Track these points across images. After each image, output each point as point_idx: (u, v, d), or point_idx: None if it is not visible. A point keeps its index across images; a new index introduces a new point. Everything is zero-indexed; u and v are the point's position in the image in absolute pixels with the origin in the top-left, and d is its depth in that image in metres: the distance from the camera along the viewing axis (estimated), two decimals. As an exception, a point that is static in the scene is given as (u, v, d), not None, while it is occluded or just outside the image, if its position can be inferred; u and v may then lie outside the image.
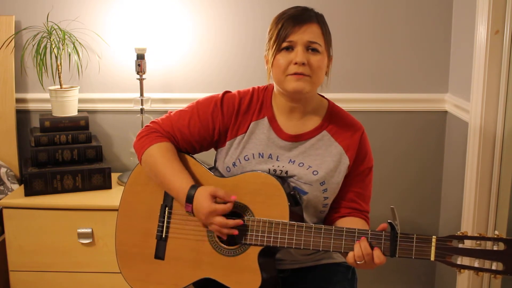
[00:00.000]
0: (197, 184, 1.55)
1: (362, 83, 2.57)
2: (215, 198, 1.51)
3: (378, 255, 1.41)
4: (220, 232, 1.51)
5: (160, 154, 1.60)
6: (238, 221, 1.51)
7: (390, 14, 2.51)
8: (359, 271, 1.72)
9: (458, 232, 1.36)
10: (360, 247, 1.41)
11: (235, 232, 1.51)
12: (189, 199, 1.52)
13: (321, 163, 1.59)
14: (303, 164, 1.59)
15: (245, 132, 1.62)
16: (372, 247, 1.41)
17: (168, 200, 1.63)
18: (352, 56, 2.54)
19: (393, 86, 2.57)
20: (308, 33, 1.51)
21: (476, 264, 1.34)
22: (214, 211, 1.49)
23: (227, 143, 1.63)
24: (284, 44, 1.52)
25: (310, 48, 1.52)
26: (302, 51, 1.50)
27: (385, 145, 2.61)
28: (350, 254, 1.43)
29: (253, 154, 1.60)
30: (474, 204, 2.20)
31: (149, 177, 1.65)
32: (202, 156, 1.73)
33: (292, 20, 1.52)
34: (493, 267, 1.33)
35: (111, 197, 2.32)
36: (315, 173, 1.58)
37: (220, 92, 1.67)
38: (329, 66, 1.60)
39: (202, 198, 1.50)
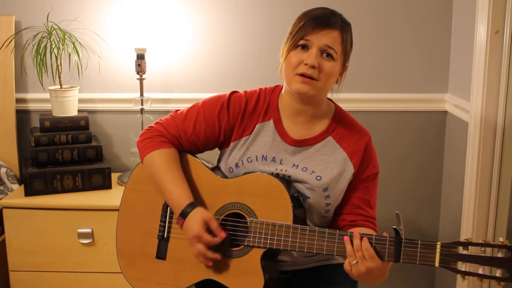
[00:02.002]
0: (195, 202, 1.55)
1: (362, 83, 2.57)
2: (206, 226, 1.50)
3: (365, 246, 1.38)
4: (198, 258, 1.52)
5: (162, 162, 1.59)
6: (217, 256, 1.51)
7: (390, 14, 2.51)
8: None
9: (463, 239, 1.35)
10: (352, 246, 1.40)
11: (210, 263, 1.52)
12: (183, 215, 1.52)
13: (325, 169, 1.57)
14: (307, 169, 1.58)
15: (250, 133, 1.61)
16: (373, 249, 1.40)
17: None
18: (352, 56, 2.52)
19: (393, 86, 2.57)
20: (328, 38, 1.49)
21: (480, 270, 1.33)
22: (200, 237, 1.49)
23: (232, 144, 1.62)
24: (301, 42, 1.50)
25: (325, 52, 1.49)
26: (316, 53, 1.48)
27: (385, 145, 2.61)
28: (346, 261, 1.42)
29: (256, 156, 1.60)
30: (474, 204, 2.20)
31: (150, 176, 1.65)
32: (205, 155, 1.73)
33: (315, 21, 1.49)
34: (497, 274, 1.32)
35: (111, 197, 2.32)
36: (318, 178, 1.57)
37: (221, 91, 1.67)
38: (343, 75, 1.58)
39: (194, 220, 1.50)
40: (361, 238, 1.40)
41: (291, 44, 1.51)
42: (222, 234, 1.50)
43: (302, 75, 1.49)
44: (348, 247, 1.41)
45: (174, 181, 1.56)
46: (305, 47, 1.50)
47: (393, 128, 2.61)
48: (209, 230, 1.51)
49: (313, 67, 1.48)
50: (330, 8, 1.55)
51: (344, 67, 1.57)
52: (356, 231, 1.42)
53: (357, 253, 1.40)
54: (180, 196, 1.55)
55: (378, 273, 1.41)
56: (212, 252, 1.50)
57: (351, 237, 1.42)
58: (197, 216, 1.50)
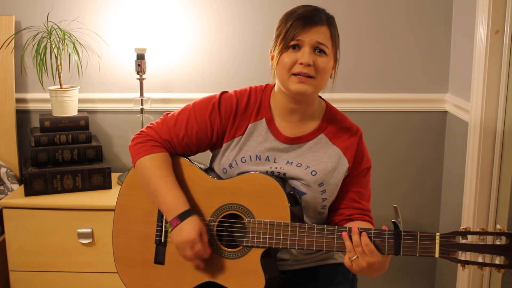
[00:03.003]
0: (191, 210, 1.54)
1: (363, 83, 2.57)
2: (200, 236, 1.50)
3: (365, 242, 1.38)
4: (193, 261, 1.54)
5: (155, 167, 1.57)
6: (201, 265, 1.53)
7: (391, 14, 2.51)
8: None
9: (461, 228, 1.36)
10: (351, 241, 1.40)
11: (202, 265, 1.53)
12: (181, 217, 1.51)
13: (319, 163, 1.58)
14: (301, 164, 1.58)
15: (243, 134, 1.60)
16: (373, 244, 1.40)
17: None
18: (352, 56, 2.54)
19: (393, 86, 2.57)
20: (318, 34, 1.49)
21: (480, 259, 1.34)
22: (194, 243, 1.49)
23: (224, 144, 1.62)
24: (292, 43, 1.50)
25: (317, 49, 1.50)
26: (309, 51, 1.49)
27: (385, 145, 2.61)
28: (346, 256, 1.42)
29: (250, 156, 1.59)
30: (474, 204, 2.20)
31: (142, 181, 1.63)
32: (198, 157, 1.72)
33: (302, 20, 1.50)
34: (497, 261, 1.33)
35: (111, 197, 2.32)
36: (313, 173, 1.57)
37: (219, 92, 1.67)
38: (335, 68, 1.59)
39: (192, 225, 1.50)
40: (360, 233, 1.40)
41: (282, 46, 1.51)
42: (208, 251, 1.52)
43: (298, 74, 1.49)
44: (347, 242, 1.41)
45: (167, 187, 1.55)
46: (296, 47, 1.50)
47: (393, 128, 2.61)
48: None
49: (308, 65, 1.48)
50: (311, 5, 1.55)
51: (335, 60, 1.57)
52: (355, 226, 1.42)
53: (357, 249, 1.40)
54: (175, 202, 1.53)
55: (379, 266, 1.41)
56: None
57: (349, 232, 1.42)
58: (195, 223, 1.50)
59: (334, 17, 1.57)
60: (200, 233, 1.50)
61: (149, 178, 1.57)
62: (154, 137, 1.62)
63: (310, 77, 1.50)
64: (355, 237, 1.40)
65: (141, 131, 1.65)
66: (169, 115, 1.66)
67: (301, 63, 1.48)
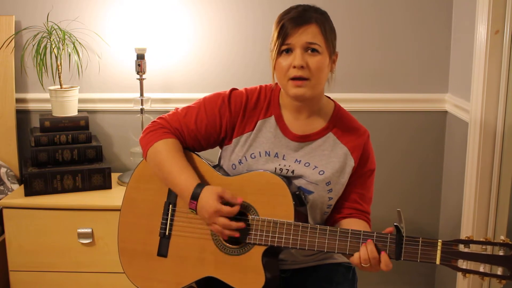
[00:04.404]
0: (203, 183, 1.55)
1: (362, 83, 2.57)
2: (221, 199, 1.50)
3: (386, 262, 1.40)
4: (222, 233, 1.51)
5: (167, 151, 1.59)
6: (241, 224, 1.50)
7: (390, 14, 2.51)
8: (360, 271, 1.72)
9: (464, 236, 1.36)
10: (367, 250, 1.41)
11: (237, 234, 1.51)
12: (195, 196, 1.52)
13: (327, 163, 1.59)
14: (309, 164, 1.59)
15: (252, 130, 1.62)
16: (379, 251, 1.41)
17: (172, 197, 1.63)
18: (352, 56, 2.54)
19: (393, 86, 2.57)
20: (306, 35, 1.50)
21: (481, 269, 1.33)
22: (219, 211, 1.48)
23: (234, 140, 1.63)
24: (284, 47, 1.51)
25: (309, 49, 1.51)
26: (301, 53, 1.50)
27: (385, 145, 2.61)
28: (356, 255, 1.43)
29: (259, 152, 1.61)
30: (474, 204, 2.20)
31: (153, 174, 1.65)
32: (207, 154, 1.73)
33: (290, 23, 1.51)
34: (498, 272, 1.32)
35: (111, 197, 2.32)
36: (321, 172, 1.58)
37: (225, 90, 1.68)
38: (335, 62, 1.59)
39: (208, 196, 1.50)
40: (379, 252, 1.42)
41: (276, 51, 1.53)
42: (239, 201, 1.51)
43: (293, 78, 1.50)
44: (364, 251, 1.43)
45: (180, 168, 1.56)
46: (289, 51, 1.51)
47: (393, 128, 2.61)
48: (224, 203, 1.50)
49: (301, 67, 1.49)
50: (301, 5, 1.56)
51: (333, 54, 1.57)
52: (370, 239, 1.43)
53: (373, 260, 1.42)
54: (187, 181, 1.54)
55: None
56: (235, 221, 1.50)
57: (373, 240, 1.43)
58: (209, 193, 1.50)
59: (325, 13, 1.56)
60: (219, 197, 1.50)
61: (162, 163, 1.59)
62: (165, 125, 1.64)
63: (306, 79, 1.50)
64: (373, 252, 1.42)
65: (152, 122, 1.68)
66: (179, 109, 1.68)
67: (294, 66, 1.49)
